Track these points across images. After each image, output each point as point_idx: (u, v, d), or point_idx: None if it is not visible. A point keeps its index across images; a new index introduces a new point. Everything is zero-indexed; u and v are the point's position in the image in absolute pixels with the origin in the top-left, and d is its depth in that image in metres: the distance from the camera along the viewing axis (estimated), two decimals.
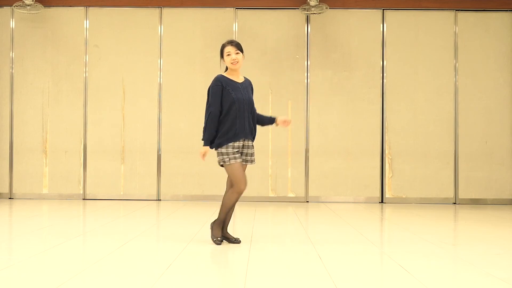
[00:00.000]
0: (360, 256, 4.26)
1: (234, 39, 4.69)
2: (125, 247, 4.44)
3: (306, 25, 8.51)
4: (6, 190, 8.48)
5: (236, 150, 4.57)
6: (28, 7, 8.20)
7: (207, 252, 4.33)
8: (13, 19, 8.54)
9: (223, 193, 8.29)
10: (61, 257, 4.05)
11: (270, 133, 8.42)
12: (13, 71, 8.51)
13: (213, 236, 4.66)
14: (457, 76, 8.48)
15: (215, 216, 6.57)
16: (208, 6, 8.50)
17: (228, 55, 4.65)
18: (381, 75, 8.46)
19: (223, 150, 4.55)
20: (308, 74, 8.42)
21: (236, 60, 4.63)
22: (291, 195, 8.37)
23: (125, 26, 8.52)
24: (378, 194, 8.40)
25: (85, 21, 8.52)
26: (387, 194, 8.40)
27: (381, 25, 8.51)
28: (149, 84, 8.49)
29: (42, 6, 8.30)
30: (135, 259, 4.06)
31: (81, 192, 8.44)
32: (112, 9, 8.55)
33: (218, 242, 4.59)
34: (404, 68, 8.47)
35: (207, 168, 8.41)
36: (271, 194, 8.39)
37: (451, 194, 8.40)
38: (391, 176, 8.41)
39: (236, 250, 4.45)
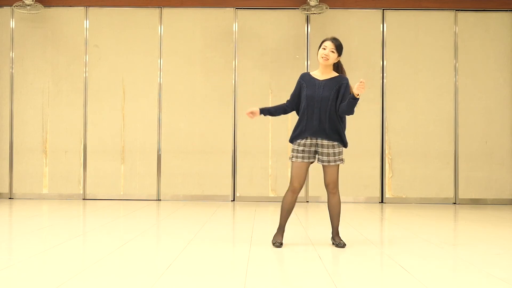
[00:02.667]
0: (360, 256, 4.26)
1: (336, 37, 4.53)
2: (125, 247, 4.44)
3: (306, 25, 8.51)
4: (6, 190, 8.48)
5: (301, 148, 4.54)
6: (28, 7, 8.20)
7: (207, 252, 4.33)
8: (13, 19, 8.54)
9: (223, 193, 8.41)
10: (61, 257, 4.05)
11: (270, 133, 8.42)
12: (13, 71, 8.51)
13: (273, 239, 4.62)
14: (457, 76, 8.48)
15: (215, 216, 6.58)
16: (208, 6, 8.50)
17: (324, 48, 4.58)
18: (381, 75, 8.46)
19: (293, 146, 4.61)
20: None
21: (327, 57, 4.55)
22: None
23: (125, 26, 8.52)
24: (378, 194, 8.40)
25: (85, 21, 8.52)
26: (387, 194, 8.40)
27: (381, 25, 8.51)
28: (149, 84, 8.49)
29: (42, 6, 8.30)
30: (135, 259, 4.06)
31: (81, 192, 8.44)
32: (112, 9, 8.55)
33: (278, 245, 4.52)
34: (404, 68, 8.47)
35: (207, 168, 8.42)
36: (271, 194, 8.39)
37: (451, 194, 8.40)
38: (391, 176, 8.41)
39: (236, 250, 4.45)
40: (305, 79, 4.65)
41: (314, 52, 8.47)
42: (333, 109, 4.53)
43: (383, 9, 8.51)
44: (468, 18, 8.50)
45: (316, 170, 8.41)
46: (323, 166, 4.60)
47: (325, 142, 4.54)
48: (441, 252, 4.41)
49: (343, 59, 8.44)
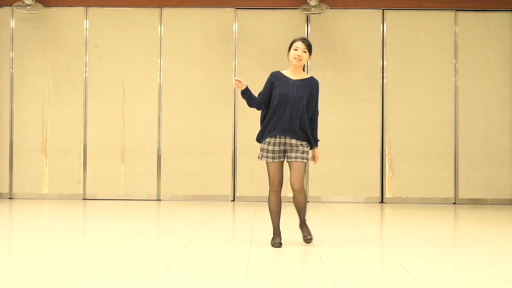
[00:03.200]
0: (360, 256, 4.26)
1: (305, 37, 4.58)
2: (125, 247, 4.44)
3: (306, 25, 8.51)
4: (6, 190, 8.48)
5: (271, 148, 4.53)
6: (28, 7, 8.20)
7: (207, 252, 4.33)
8: (13, 19, 8.54)
9: (223, 193, 8.41)
10: (61, 257, 4.05)
11: None
12: (13, 71, 8.51)
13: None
14: (457, 76, 8.48)
15: (215, 216, 6.58)
16: (208, 6, 8.50)
17: (295, 49, 4.58)
18: (381, 75, 8.46)
19: (262, 145, 4.60)
20: (308, 73, 8.40)
21: (300, 57, 4.55)
22: (291, 195, 8.34)
23: (125, 26, 8.52)
24: (378, 194, 8.40)
25: (85, 21, 8.52)
26: (387, 194, 8.40)
27: (381, 25, 8.51)
28: (149, 84, 8.49)
29: (42, 6, 8.30)
30: (135, 259, 4.06)
31: (81, 192, 8.44)
32: (112, 9, 8.55)
33: (277, 245, 4.54)
34: (404, 68, 8.47)
35: (207, 168, 8.42)
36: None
37: (451, 194, 8.40)
38: (391, 176, 8.41)
39: (236, 250, 4.45)
40: (277, 77, 4.62)
41: (314, 52, 8.45)
42: (304, 109, 4.55)
43: (383, 9, 8.51)
44: (468, 18, 8.50)
45: (316, 170, 8.42)
46: (290, 163, 4.56)
47: (293, 141, 4.54)
48: (441, 252, 4.41)
49: (343, 59, 8.49)
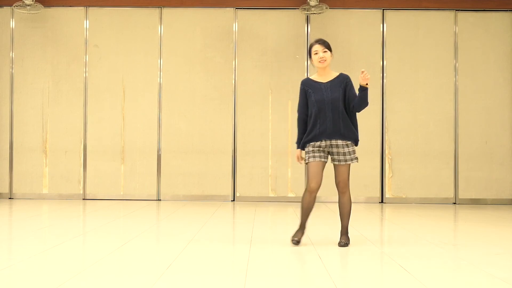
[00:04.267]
0: (360, 256, 4.26)
1: (321, 38, 4.59)
2: (125, 247, 4.44)
3: (306, 25, 8.51)
4: (6, 190, 8.48)
5: (317, 148, 4.56)
6: (28, 7, 8.20)
7: (207, 252, 4.32)
8: (13, 19, 8.54)
9: (223, 193, 8.41)
10: (61, 257, 4.05)
11: (270, 133, 8.42)
12: (13, 71, 8.51)
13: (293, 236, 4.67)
14: (457, 76, 8.48)
15: (215, 216, 6.58)
16: (208, 6, 8.50)
17: (316, 53, 4.57)
18: (381, 75, 8.46)
19: (306, 149, 4.63)
20: (308, 74, 8.42)
21: (324, 59, 4.55)
22: (291, 195, 8.37)
23: (125, 26, 8.52)
24: (378, 194, 8.40)
25: (85, 21, 8.52)
26: (387, 194, 8.40)
27: (381, 25, 8.51)
28: (149, 84, 8.49)
29: (42, 6, 8.30)
30: (135, 259, 4.06)
31: (81, 192, 8.44)
32: (112, 9, 8.55)
33: (294, 242, 4.58)
34: (404, 68, 8.47)
35: (207, 168, 8.42)
36: (271, 194, 8.39)
37: (451, 194, 8.40)
38: (391, 176, 8.41)
39: (236, 250, 4.45)
40: (309, 85, 4.64)
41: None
42: (344, 109, 4.56)
43: (383, 9, 8.51)
44: (468, 18, 8.50)
45: None
46: (336, 165, 4.60)
47: (339, 142, 4.55)
48: (441, 252, 4.41)
49: (343, 59, 8.49)
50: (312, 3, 8.08)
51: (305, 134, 4.64)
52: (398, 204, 8.28)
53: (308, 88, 4.63)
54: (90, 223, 6.15)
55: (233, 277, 3.48)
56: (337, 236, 4.93)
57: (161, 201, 8.29)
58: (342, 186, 4.60)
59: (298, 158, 4.71)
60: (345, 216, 4.65)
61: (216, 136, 8.45)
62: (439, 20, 8.50)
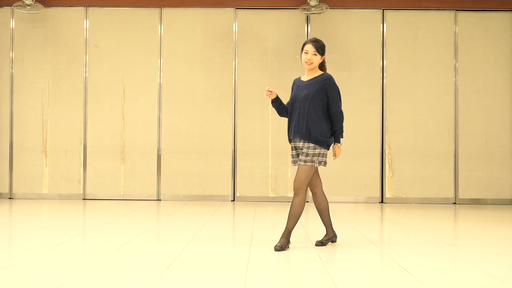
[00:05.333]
0: (360, 256, 4.26)
1: (316, 38, 4.55)
2: (125, 247, 4.44)
3: (306, 25, 8.51)
4: (6, 190, 8.48)
5: (291, 153, 4.65)
6: (28, 7, 8.20)
7: (207, 252, 4.33)
8: (13, 19, 8.54)
9: (223, 193, 8.41)
10: (61, 257, 4.05)
11: (270, 133, 8.42)
12: (13, 71, 8.51)
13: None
14: (457, 76, 8.48)
15: (215, 216, 6.58)
16: (208, 6, 8.50)
17: (306, 53, 4.56)
18: (381, 75, 8.46)
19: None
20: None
21: (310, 61, 4.53)
22: (291, 195, 8.36)
23: (125, 26, 8.52)
24: (378, 194, 8.40)
25: (85, 21, 8.52)
26: (387, 194, 8.40)
27: (381, 25, 8.51)
28: (149, 84, 8.49)
29: (42, 6, 8.30)
30: (135, 259, 4.06)
31: (81, 192, 8.44)
32: (112, 9, 8.55)
33: (276, 248, 4.37)
34: (404, 68, 8.47)
35: (207, 168, 8.42)
36: (271, 194, 8.39)
37: (451, 194, 8.40)
38: (391, 176, 8.41)
39: (236, 250, 4.45)
40: (295, 83, 4.74)
41: None
42: (313, 109, 4.46)
43: (383, 9, 8.51)
44: (468, 18, 8.50)
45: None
46: (298, 166, 4.53)
47: (300, 143, 4.52)
48: (441, 252, 4.41)
49: (343, 59, 8.48)
50: (312, 3, 8.08)
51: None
52: (398, 204, 8.28)
53: (293, 85, 4.72)
54: (90, 223, 6.15)
55: (233, 277, 3.48)
56: (337, 236, 4.93)
57: (161, 201, 8.29)
58: (295, 187, 4.44)
59: (269, 90, 4.63)
60: (291, 218, 4.46)
61: (216, 136, 8.45)
62: (439, 20, 8.50)
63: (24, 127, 8.49)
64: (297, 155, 4.59)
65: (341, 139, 4.64)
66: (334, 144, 4.63)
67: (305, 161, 4.45)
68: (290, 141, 4.63)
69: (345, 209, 7.59)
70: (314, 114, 4.46)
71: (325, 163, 4.52)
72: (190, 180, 8.44)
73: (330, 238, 4.72)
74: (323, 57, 4.59)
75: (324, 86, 4.50)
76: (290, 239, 4.52)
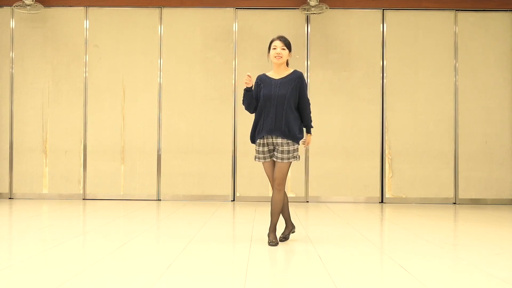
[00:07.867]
0: (360, 256, 4.26)
1: (282, 35, 4.71)
2: (125, 247, 4.44)
3: (306, 25, 8.51)
4: (6, 190, 8.48)
5: (261, 148, 4.67)
6: (28, 7, 8.20)
7: (207, 252, 4.33)
8: (13, 19, 8.54)
9: (223, 193, 8.41)
10: (61, 257, 4.05)
11: None
12: (13, 71, 8.51)
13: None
14: (457, 76, 8.48)
15: (215, 216, 6.58)
16: (208, 6, 8.50)
17: (274, 49, 4.66)
18: (381, 75, 8.46)
19: (255, 147, 4.74)
20: (308, 74, 8.43)
21: (280, 55, 4.63)
22: (291, 195, 8.36)
23: (125, 26, 8.52)
24: (378, 194, 8.40)
25: (85, 21, 8.52)
26: (387, 194, 8.40)
27: (381, 25, 8.51)
28: (149, 84, 8.49)
29: (42, 6, 8.30)
30: (135, 259, 4.06)
31: (81, 192, 8.44)
32: (112, 9, 8.55)
33: (271, 244, 4.59)
34: (404, 68, 8.47)
35: (207, 168, 8.42)
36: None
37: (451, 194, 8.40)
38: (391, 176, 8.41)
39: (236, 250, 4.45)
40: (262, 79, 4.75)
41: (314, 52, 8.48)
42: (289, 107, 4.62)
43: (383, 9, 8.51)
44: (468, 18, 8.50)
45: (316, 170, 8.42)
46: (275, 162, 4.66)
47: (279, 140, 4.62)
48: (441, 252, 4.41)
49: (343, 59, 8.48)
50: (312, 3, 8.08)
51: (252, 129, 4.76)
52: (398, 204, 8.28)
53: (261, 82, 4.74)
54: (90, 223, 6.15)
55: (233, 277, 3.48)
56: (337, 236, 4.94)
57: (161, 201, 8.29)
58: (278, 183, 4.63)
59: (249, 75, 4.70)
60: (275, 214, 4.67)
61: (216, 136, 8.45)
62: (439, 20, 8.50)
63: (24, 127, 8.49)
64: (270, 151, 4.68)
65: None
66: (307, 134, 4.83)
67: (287, 158, 4.61)
68: (261, 138, 4.65)
69: (345, 209, 7.59)
70: (291, 113, 4.63)
71: (299, 157, 4.74)
72: (190, 180, 8.44)
73: (290, 230, 4.90)
74: (290, 53, 4.73)
75: (298, 84, 4.67)
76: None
